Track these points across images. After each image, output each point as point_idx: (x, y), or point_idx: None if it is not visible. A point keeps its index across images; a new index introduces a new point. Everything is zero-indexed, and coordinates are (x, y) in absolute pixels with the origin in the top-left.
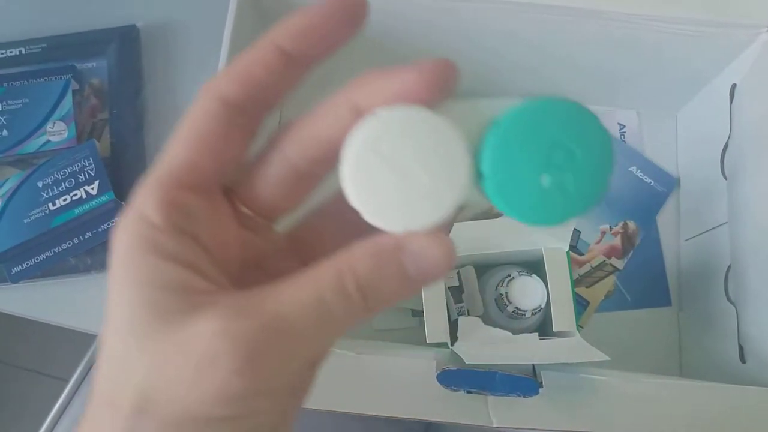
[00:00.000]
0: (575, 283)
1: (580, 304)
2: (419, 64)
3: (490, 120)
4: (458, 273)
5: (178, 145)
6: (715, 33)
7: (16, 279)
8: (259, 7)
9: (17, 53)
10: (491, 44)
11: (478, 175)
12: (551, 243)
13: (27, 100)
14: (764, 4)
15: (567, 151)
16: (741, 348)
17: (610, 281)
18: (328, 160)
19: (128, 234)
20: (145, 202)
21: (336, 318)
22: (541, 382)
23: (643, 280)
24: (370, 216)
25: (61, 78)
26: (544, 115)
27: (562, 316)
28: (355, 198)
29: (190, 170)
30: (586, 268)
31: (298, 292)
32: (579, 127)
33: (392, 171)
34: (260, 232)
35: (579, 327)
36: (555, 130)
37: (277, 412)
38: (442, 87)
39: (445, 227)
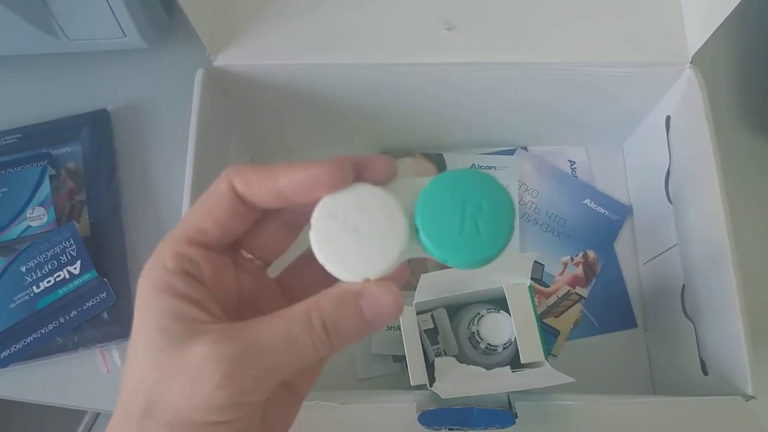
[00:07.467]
0: (544, 314)
1: (551, 334)
2: (326, 162)
3: (422, 188)
4: (432, 316)
5: (194, 212)
6: (644, 72)
7: (5, 363)
8: (222, 85)
9: None
10: (454, 99)
11: (415, 230)
12: (513, 280)
13: (6, 189)
14: (683, 45)
15: (477, 204)
16: (702, 362)
17: (577, 309)
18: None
19: (149, 275)
20: (163, 252)
21: (302, 347)
22: (516, 413)
23: (608, 305)
24: (331, 268)
25: (37, 165)
26: (459, 181)
27: (529, 348)
28: (318, 254)
29: (198, 233)
30: (553, 299)
31: (273, 325)
32: (484, 187)
33: (346, 231)
34: (255, 276)
35: (552, 356)
36: (467, 191)
37: (254, 418)
38: (341, 176)
39: (397, 279)
